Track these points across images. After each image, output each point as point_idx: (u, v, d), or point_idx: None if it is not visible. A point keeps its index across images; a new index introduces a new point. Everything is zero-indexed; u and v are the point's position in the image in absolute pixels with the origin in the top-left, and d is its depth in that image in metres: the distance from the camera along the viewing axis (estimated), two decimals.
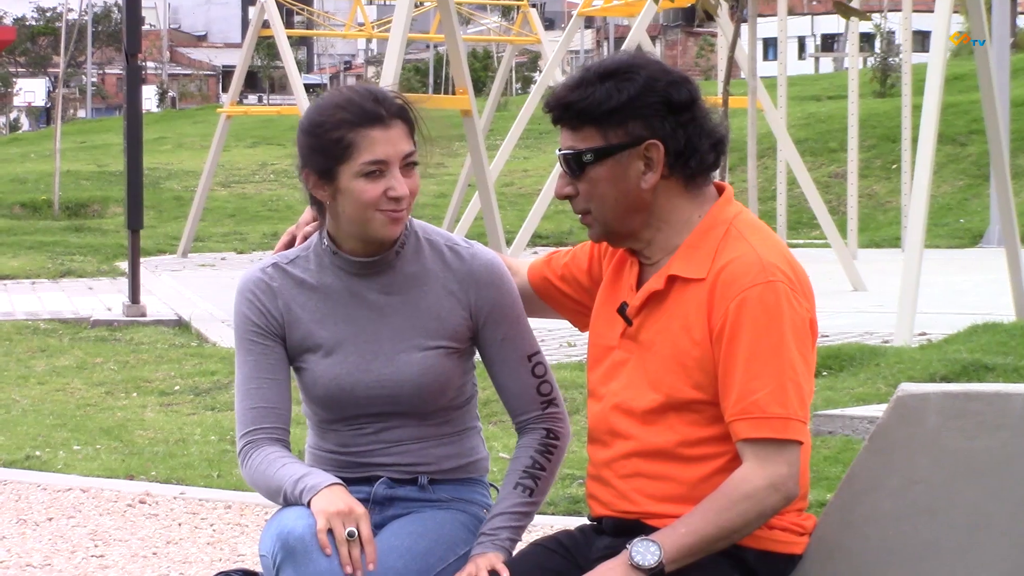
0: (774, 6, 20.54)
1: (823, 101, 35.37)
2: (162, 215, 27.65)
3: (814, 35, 72.99)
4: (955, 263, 19.82)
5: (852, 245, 20.22)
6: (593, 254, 3.49)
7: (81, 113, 67.53)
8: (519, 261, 3.66)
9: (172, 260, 22.32)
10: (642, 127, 3.23)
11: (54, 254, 21.78)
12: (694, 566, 3.13)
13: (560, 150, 3.29)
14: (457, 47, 14.10)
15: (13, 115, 74.97)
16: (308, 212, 3.53)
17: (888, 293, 13.93)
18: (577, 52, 63.07)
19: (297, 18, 47.93)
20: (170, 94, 73.03)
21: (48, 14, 73.57)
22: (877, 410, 8.05)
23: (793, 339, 3.15)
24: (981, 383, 3.86)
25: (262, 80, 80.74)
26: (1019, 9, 39.44)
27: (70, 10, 37.69)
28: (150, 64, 73.39)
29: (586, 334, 3.48)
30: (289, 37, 23.72)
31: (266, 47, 62.24)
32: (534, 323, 3.54)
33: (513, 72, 52.26)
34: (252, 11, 25.86)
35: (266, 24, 22.73)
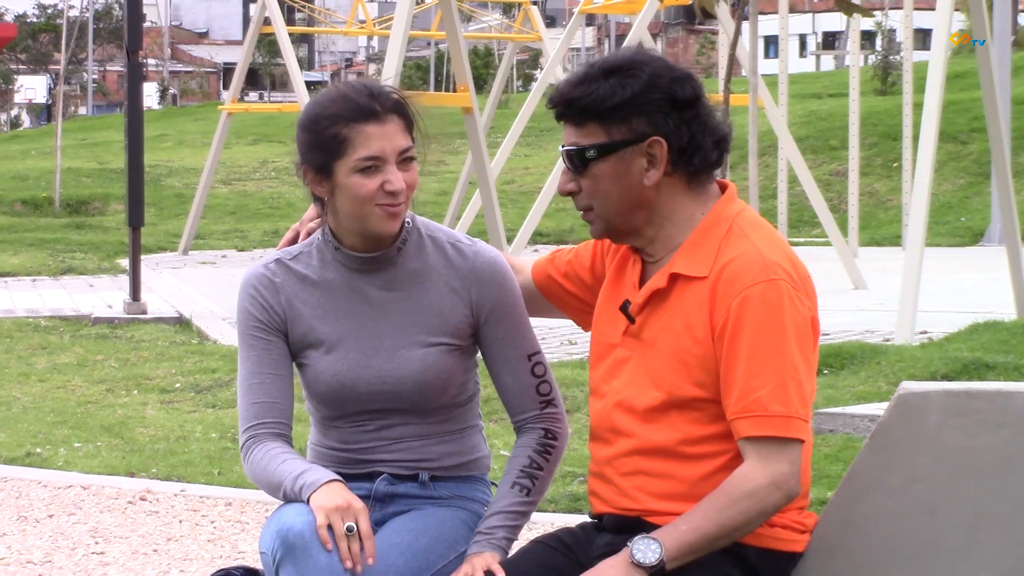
0: (775, 3, 20.54)
1: (824, 99, 35.37)
2: (163, 212, 27.65)
3: (815, 33, 72.99)
4: (956, 261, 19.82)
5: (853, 243, 20.22)
6: (596, 252, 3.48)
7: (82, 110, 67.56)
8: (523, 260, 3.66)
9: (173, 257, 22.33)
10: (646, 124, 3.22)
11: (55, 251, 21.79)
12: (695, 564, 3.13)
13: (563, 146, 3.28)
14: (458, 44, 14.10)
15: (14, 112, 75.00)
16: (312, 209, 3.54)
17: (889, 291, 13.93)
18: (578, 50, 63.08)
19: (298, 15, 47.95)
20: (171, 91, 73.05)
21: (49, 11, 73.63)
22: (878, 408, 8.05)
23: (795, 337, 3.15)
24: (982, 381, 3.86)
25: (263, 77, 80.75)
26: (1020, 7, 39.43)
27: (71, 7, 37.70)
28: (151, 61, 73.36)
29: (587, 333, 3.48)
30: (290, 34, 23.72)
31: (267, 44, 62.24)
32: (535, 321, 3.54)
33: (514, 70, 52.26)
34: (253, 8, 25.87)
35: (267, 21, 22.74)
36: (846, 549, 3.24)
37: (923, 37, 43.11)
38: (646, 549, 3.11)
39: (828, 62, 60.71)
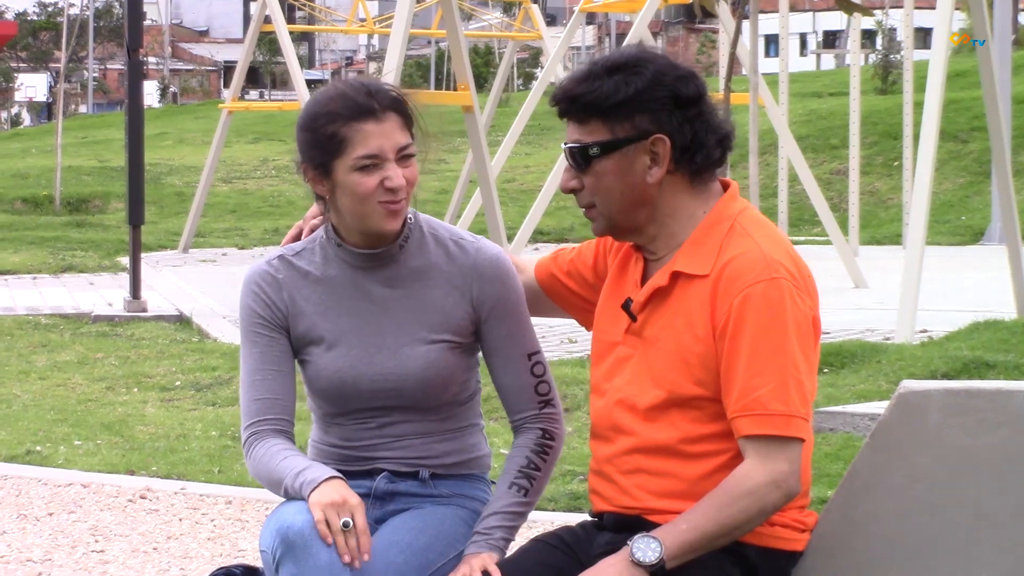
0: (776, 2, 20.54)
1: (825, 98, 35.36)
2: (163, 211, 27.65)
3: (816, 32, 72.96)
4: (956, 260, 19.82)
5: (853, 242, 20.21)
6: (599, 250, 3.48)
7: (82, 108, 67.54)
8: (526, 259, 3.66)
9: (173, 256, 22.33)
10: (649, 121, 3.22)
11: (55, 249, 21.78)
12: (695, 563, 3.13)
13: (566, 143, 3.28)
14: (459, 43, 14.10)
15: (14, 110, 74.98)
16: (315, 206, 3.54)
17: (889, 290, 13.93)
18: (579, 48, 63.07)
19: (299, 13, 47.95)
20: (171, 89, 73.02)
21: (50, 9, 73.62)
22: (878, 407, 8.05)
23: (796, 336, 3.15)
24: (982, 380, 3.86)
25: (264, 76, 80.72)
26: (1020, 6, 39.42)
27: (72, 5, 37.70)
28: (152, 59, 73.35)
29: (587, 331, 3.48)
30: (291, 32, 23.71)
31: (268, 43, 62.20)
32: (535, 320, 3.54)
33: (515, 68, 52.24)
34: (254, 6, 25.87)
35: (268, 19, 22.73)
36: (846, 548, 3.24)
37: (924, 36, 43.10)
38: (646, 548, 3.11)
39: (829, 61, 60.72)
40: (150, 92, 63.82)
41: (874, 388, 8.99)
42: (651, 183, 3.24)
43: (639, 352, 3.28)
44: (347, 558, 3.20)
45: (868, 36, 42.18)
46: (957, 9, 14.67)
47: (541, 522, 5.91)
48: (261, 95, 75.79)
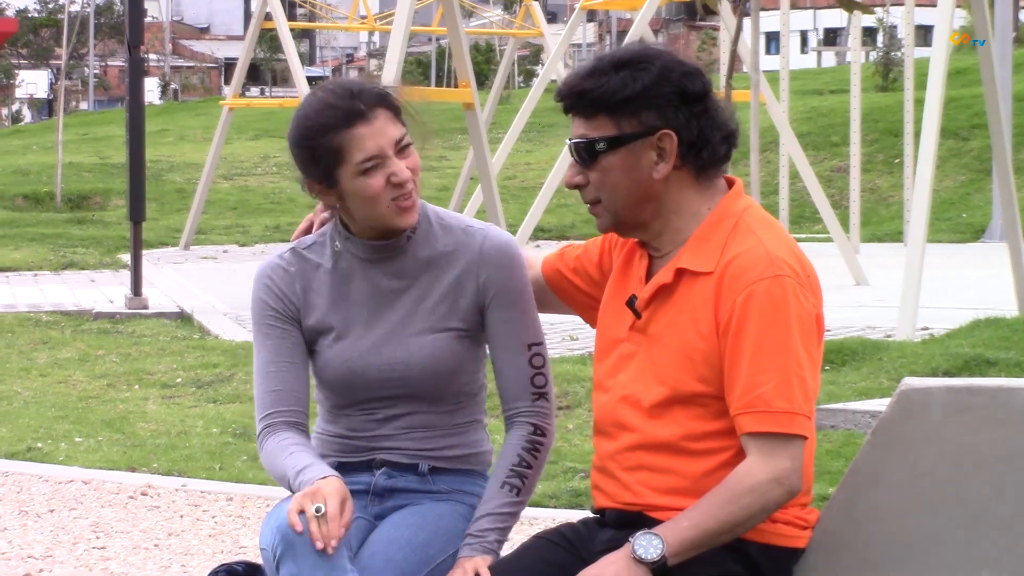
0: (776, 0, 20.52)
1: (825, 95, 35.35)
2: (164, 207, 27.64)
3: (816, 29, 72.95)
4: (957, 258, 19.82)
5: (854, 239, 20.21)
6: (604, 247, 3.48)
7: (83, 105, 67.52)
8: (533, 255, 3.66)
9: (174, 252, 22.32)
10: (656, 117, 3.22)
11: (56, 246, 21.77)
12: (697, 560, 3.13)
13: (571, 139, 3.28)
14: (460, 40, 14.09)
15: (15, 107, 74.97)
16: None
17: (890, 287, 13.92)
18: (579, 46, 63.05)
19: (300, 10, 47.92)
20: (172, 86, 73.03)
21: (50, 6, 73.55)
22: (879, 404, 8.05)
23: (799, 334, 3.15)
24: (984, 378, 3.86)
25: (264, 72, 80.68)
26: (1021, 4, 39.42)
27: (72, 2, 37.70)
28: (152, 56, 73.32)
29: (590, 328, 3.48)
30: (292, 29, 23.71)
31: (268, 39, 62.18)
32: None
33: (515, 65, 52.23)
34: (255, 3, 25.86)
35: (268, 16, 22.72)
36: (848, 545, 3.25)
37: (924, 33, 43.10)
38: (648, 545, 3.11)
39: (829, 58, 60.74)
40: (151, 89, 63.84)
41: (875, 385, 8.99)
42: (657, 179, 3.24)
43: (643, 349, 3.28)
44: (320, 544, 3.19)
45: (869, 33, 42.17)
46: (958, 7, 14.67)
47: (542, 519, 5.90)
48: (262, 92, 75.77)
